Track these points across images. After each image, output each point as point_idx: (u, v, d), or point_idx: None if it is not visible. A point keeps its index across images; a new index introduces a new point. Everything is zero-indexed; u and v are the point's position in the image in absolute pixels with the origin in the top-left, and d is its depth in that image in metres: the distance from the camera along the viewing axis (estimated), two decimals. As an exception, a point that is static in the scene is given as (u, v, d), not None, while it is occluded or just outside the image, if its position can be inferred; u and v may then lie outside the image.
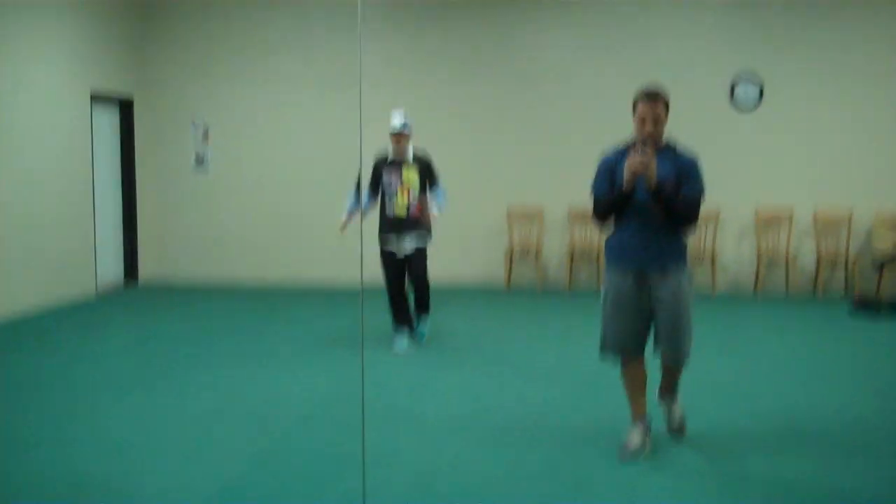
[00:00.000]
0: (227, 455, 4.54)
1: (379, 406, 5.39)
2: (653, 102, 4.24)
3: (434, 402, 5.55)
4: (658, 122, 4.26)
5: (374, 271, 7.04)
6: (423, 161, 6.85)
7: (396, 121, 6.71)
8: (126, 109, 10.38)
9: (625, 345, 4.47)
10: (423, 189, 6.77)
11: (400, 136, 6.70)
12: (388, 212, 6.77)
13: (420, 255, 6.88)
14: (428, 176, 6.83)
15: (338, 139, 10.16)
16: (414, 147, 6.88)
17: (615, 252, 4.44)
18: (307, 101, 10.44)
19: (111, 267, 10.27)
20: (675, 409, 4.77)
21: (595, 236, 10.04)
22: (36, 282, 8.76)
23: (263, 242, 10.65)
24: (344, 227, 6.86)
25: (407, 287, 7.08)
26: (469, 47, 10.25)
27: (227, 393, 5.75)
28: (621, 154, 4.34)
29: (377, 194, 6.85)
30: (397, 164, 6.76)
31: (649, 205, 4.24)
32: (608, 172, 4.37)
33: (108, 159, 10.17)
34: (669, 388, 4.73)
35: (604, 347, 4.53)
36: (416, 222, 6.77)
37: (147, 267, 10.70)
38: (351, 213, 6.83)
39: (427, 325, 7.24)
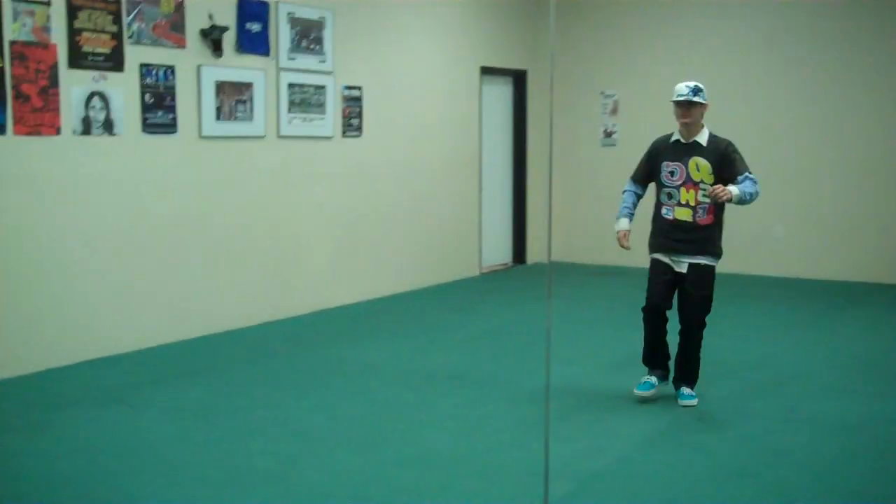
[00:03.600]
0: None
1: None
2: None
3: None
4: None
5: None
6: (721, 147, 4.86)
7: (683, 85, 4.86)
8: (519, 81, 10.28)
9: None
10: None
11: (689, 105, 4.81)
12: (665, 213, 4.96)
13: (701, 277, 4.90)
14: (726, 168, 4.81)
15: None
16: (711, 132, 4.95)
17: None
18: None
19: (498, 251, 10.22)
20: None
21: None
22: (424, 263, 8.85)
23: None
24: (625, 239, 5.13)
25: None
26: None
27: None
28: None
29: (646, 187, 5.16)
30: (683, 149, 4.92)
31: None
32: None
33: (500, 129, 10.16)
34: None
35: None
36: (704, 233, 4.88)
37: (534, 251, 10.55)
38: (630, 218, 5.16)
39: (693, 395, 5.02)
